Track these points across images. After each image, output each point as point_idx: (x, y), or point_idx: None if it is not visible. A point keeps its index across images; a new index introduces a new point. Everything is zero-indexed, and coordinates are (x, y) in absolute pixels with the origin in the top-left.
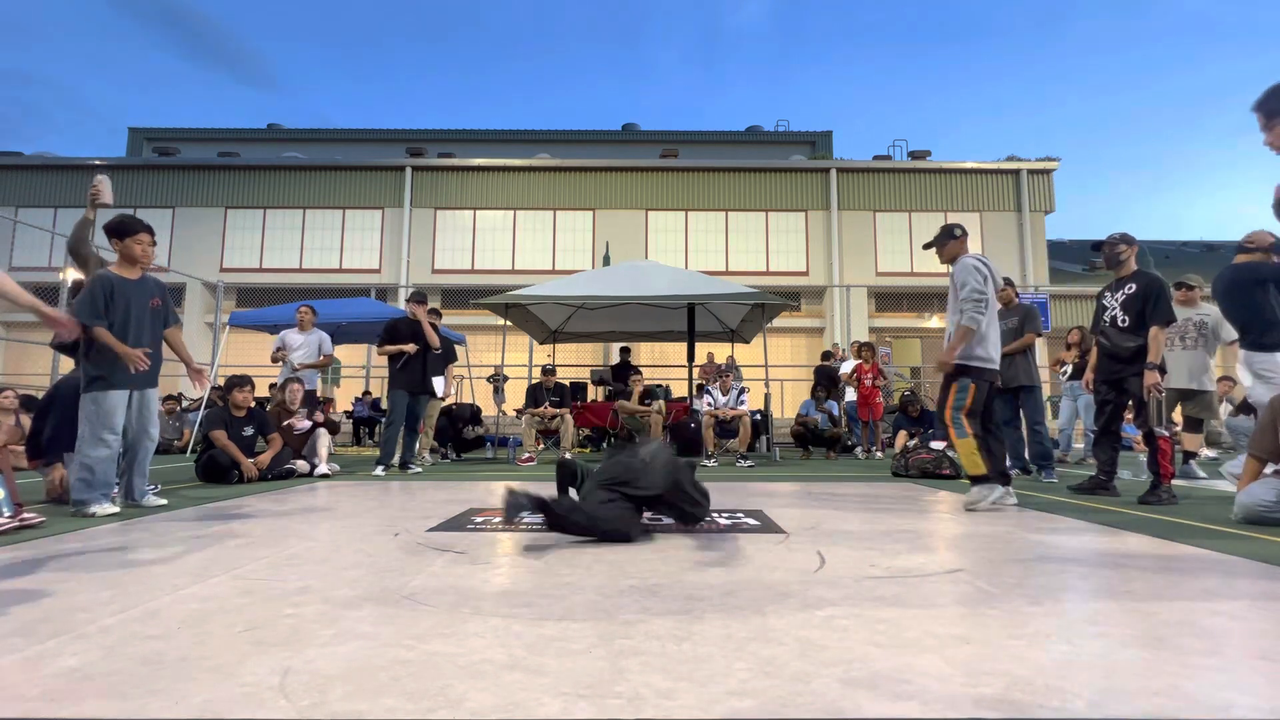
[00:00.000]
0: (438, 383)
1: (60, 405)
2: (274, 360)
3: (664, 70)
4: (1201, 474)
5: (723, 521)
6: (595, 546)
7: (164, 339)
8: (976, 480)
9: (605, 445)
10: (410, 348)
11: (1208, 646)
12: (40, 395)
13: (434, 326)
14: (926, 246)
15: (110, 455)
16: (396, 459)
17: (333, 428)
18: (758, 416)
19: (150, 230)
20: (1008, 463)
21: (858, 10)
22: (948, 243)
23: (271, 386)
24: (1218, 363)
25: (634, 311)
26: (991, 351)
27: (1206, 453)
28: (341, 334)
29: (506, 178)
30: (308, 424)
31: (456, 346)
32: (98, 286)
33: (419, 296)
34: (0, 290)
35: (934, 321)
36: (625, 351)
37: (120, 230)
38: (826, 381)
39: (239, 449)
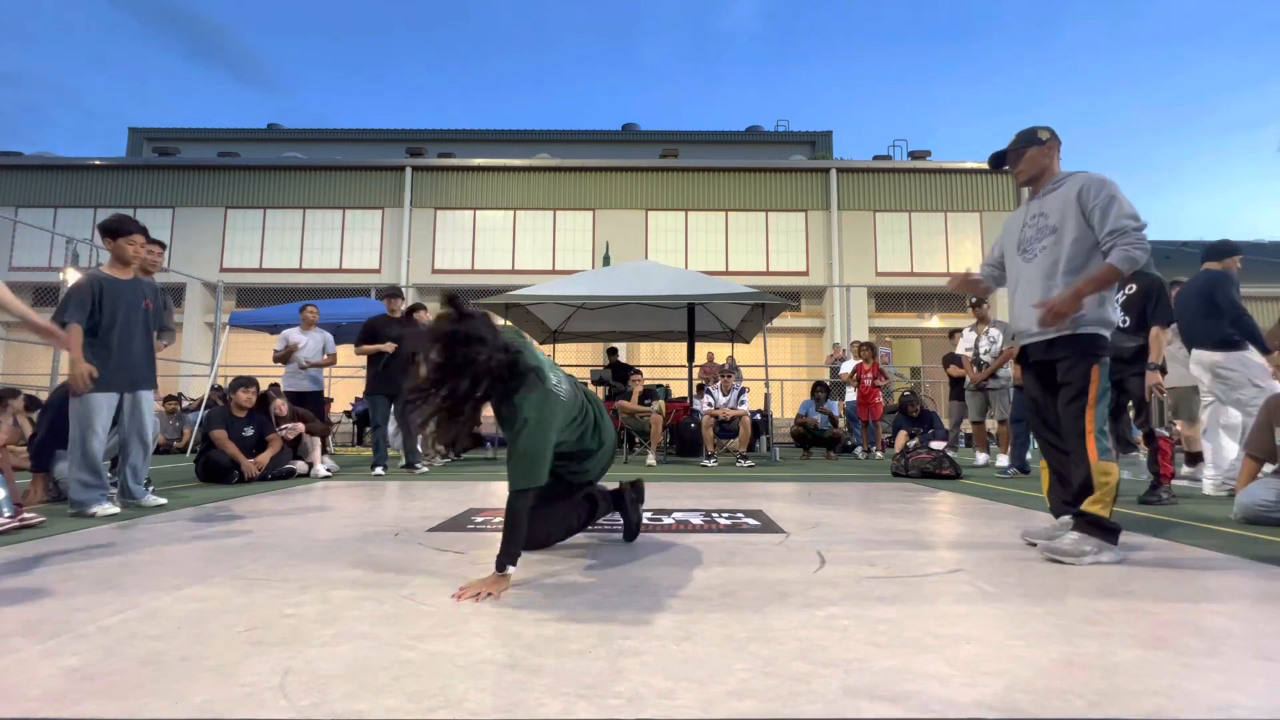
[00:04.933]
0: None
1: (51, 411)
2: (276, 360)
3: (663, 70)
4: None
5: (723, 521)
6: (595, 546)
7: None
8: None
9: None
10: (389, 347)
11: (1208, 646)
12: (40, 395)
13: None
14: (997, 164)
15: (98, 456)
16: (401, 460)
17: (319, 431)
18: (757, 416)
19: (145, 232)
20: (1007, 462)
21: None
22: (1028, 150)
23: (272, 387)
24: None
25: (634, 311)
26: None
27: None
28: (341, 334)
29: (506, 178)
30: (290, 433)
31: None
32: (87, 286)
33: (394, 290)
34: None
35: (934, 321)
36: (613, 353)
37: (114, 230)
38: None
39: (239, 449)
